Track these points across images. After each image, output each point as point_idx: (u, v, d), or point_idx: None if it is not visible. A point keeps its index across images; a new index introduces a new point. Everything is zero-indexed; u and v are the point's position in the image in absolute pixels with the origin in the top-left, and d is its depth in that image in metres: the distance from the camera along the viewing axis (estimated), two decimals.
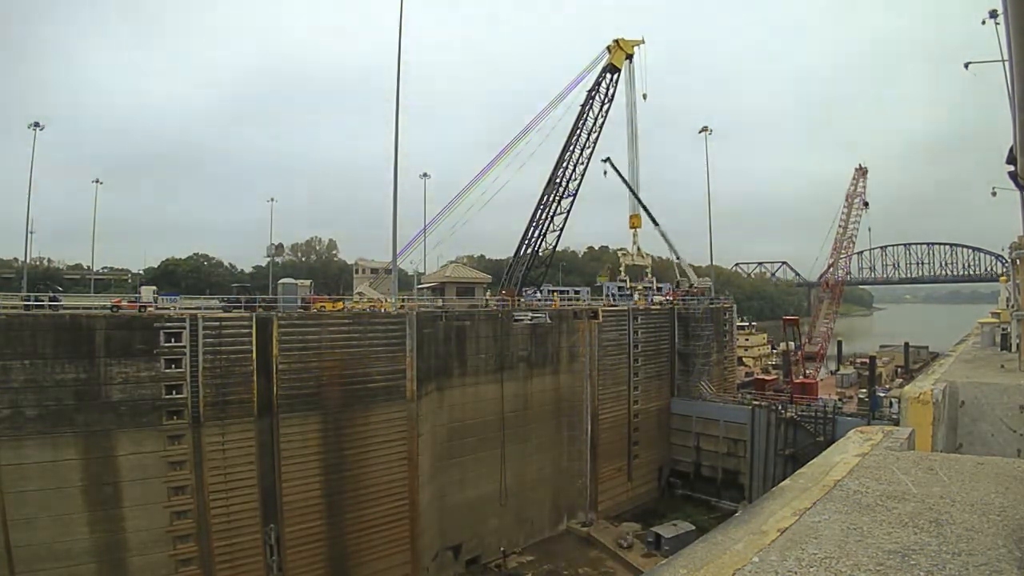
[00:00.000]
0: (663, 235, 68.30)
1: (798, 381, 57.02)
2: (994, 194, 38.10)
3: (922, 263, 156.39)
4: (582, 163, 53.38)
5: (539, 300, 50.49)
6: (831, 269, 72.59)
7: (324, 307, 36.24)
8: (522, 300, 50.08)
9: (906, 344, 76.60)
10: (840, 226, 70.51)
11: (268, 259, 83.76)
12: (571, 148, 53.30)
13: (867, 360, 69.98)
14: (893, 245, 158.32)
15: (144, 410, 27.75)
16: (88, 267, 71.94)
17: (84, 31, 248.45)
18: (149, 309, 31.01)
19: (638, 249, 67.31)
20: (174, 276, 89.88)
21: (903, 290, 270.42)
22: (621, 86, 55.54)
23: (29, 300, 30.83)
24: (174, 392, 28.40)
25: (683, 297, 58.66)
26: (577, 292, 63.13)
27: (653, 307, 55.70)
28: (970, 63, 27.16)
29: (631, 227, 65.20)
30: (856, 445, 3.62)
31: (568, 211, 54.05)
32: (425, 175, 63.61)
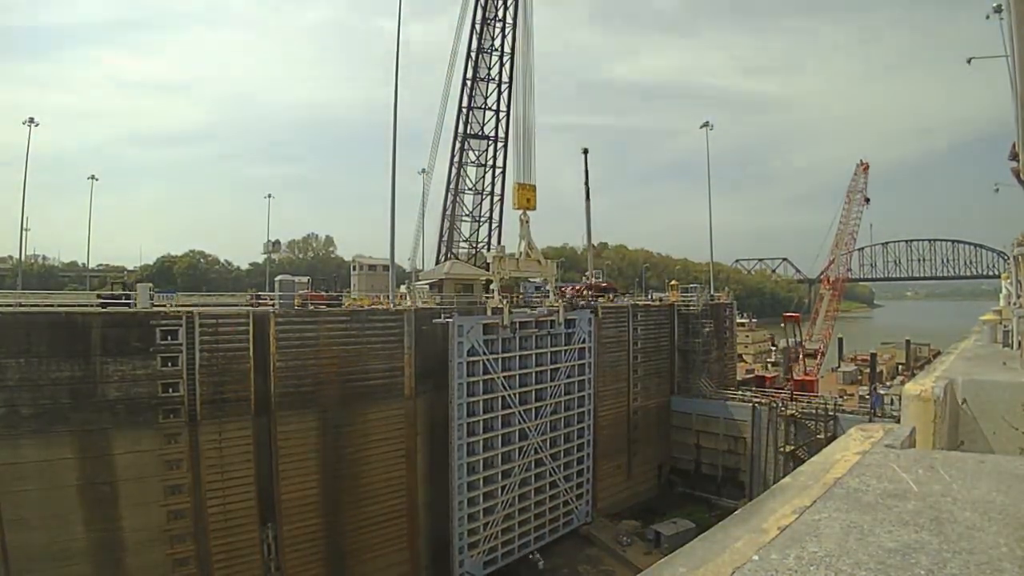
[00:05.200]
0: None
1: (798, 378, 57.11)
2: (996, 191, 38.11)
3: (923, 260, 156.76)
4: (498, 105, 47.72)
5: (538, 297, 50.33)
6: (832, 265, 72.52)
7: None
8: (522, 297, 50.03)
9: (907, 341, 76.70)
10: (841, 222, 70.45)
11: (265, 256, 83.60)
12: (477, 82, 47.95)
13: (868, 357, 70.13)
14: (894, 241, 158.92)
15: (140, 408, 27.66)
16: (84, 264, 71.99)
17: None
18: (136, 299, 30.64)
19: (528, 247, 43.72)
20: (171, 273, 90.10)
21: (904, 286, 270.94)
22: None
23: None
24: (171, 390, 28.31)
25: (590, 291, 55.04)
26: (538, 288, 54.88)
27: (653, 304, 55.66)
28: (972, 58, 26.99)
29: (518, 206, 43.38)
30: (857, 443, 3.53)
31: (493, 164, 48.48)
32: (423, 171, 63.38)
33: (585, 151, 62.20)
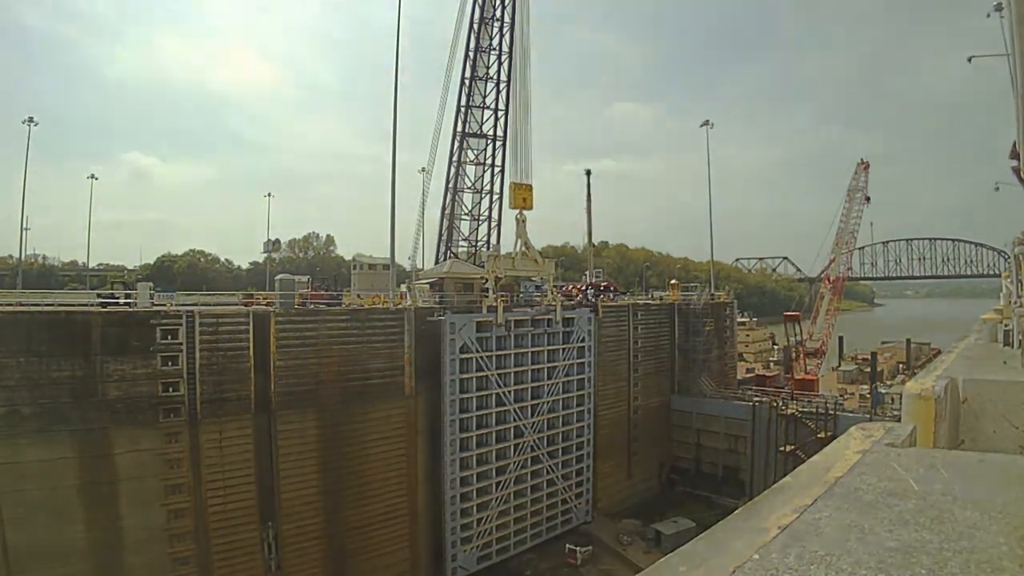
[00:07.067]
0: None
1: (799, 377, 57.11)
2: (997, 189, 38.03)
3: (924, 259, 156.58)
4: (497, 104, 47.65)
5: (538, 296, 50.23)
6: (832, 264, 72.47)
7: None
8: (522, 296, 49.93)
9: (908, 340, 76.71)
10: (841, 221, 70.40)
11: (265, 255, 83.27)
12: (475, 81, 47.61)
13: (868, 356, 70.19)
14: (895, 240, 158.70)
15: (141, 408, 27.65)
16: (83, 264, 72.04)
17: None
18: (136, 298, 30.71)
19: (524, 246, 43.91)
20: (170, 272, 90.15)
21: (905, 285, 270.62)
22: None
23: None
24: (171, 389, 28.30)
25: (589, 289, 55.12)
26: (538, 287, 51.94)
27: (653, 303, 55.61)
28: (973, 56, 26.92)
29: (515, 206, 43.72)
30: (857, 442, 3.52)
31: (492, 162, 48.71)
32: (423, 170, 63.20)
33: (588, 172, 60.82)
